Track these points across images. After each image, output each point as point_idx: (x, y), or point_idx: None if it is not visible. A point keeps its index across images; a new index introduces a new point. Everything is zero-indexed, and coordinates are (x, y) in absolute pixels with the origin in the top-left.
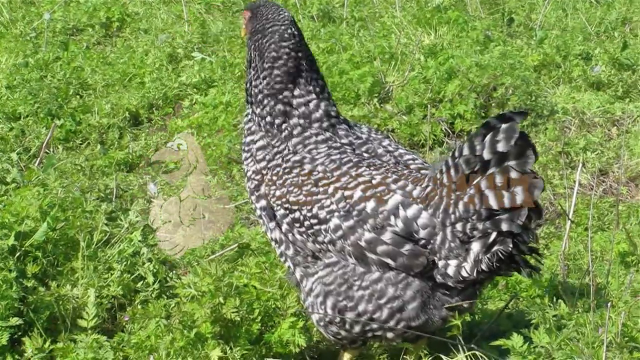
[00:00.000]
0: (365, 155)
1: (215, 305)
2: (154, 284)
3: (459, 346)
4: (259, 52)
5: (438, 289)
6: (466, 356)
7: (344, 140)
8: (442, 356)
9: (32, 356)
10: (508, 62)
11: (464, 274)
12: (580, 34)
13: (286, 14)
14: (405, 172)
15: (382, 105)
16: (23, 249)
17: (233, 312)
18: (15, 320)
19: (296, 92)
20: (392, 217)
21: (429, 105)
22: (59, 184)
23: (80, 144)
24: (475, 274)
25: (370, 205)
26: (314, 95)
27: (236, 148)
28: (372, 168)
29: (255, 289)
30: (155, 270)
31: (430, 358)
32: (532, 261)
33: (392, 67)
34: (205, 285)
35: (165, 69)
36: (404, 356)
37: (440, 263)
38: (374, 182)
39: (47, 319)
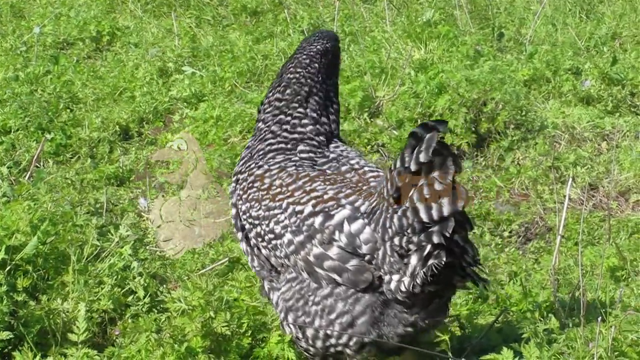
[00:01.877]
0: (328, 172)
1: (206, 319)
2: (144, 298)
3: None
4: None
5: (393, 304)
6: None
7: (304, 155)
8: None
9: None
10: (498, 77)
11: (403, 288)
12: (570, 49)
13: (317, 46)
14: (364, 187)
15: (372, 119)
16: (13, 262)
17: (224, 326)
18: (5, 335)
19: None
20: (337, 232)
21: (419, 120)
22: (50, 198)
23: (71, 157)
24: (412, 288)
25: (318, 220)
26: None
27: (226, 162)
28: (327, 183)
29: (245, 302)
30: (145, 285)
31: None
32: (482, 274)
33: (382, 81)
34: (196, 300)
35: (155, 83)
36: None
37: (386, 278)
38: (325, 197)
39: (37, 333)
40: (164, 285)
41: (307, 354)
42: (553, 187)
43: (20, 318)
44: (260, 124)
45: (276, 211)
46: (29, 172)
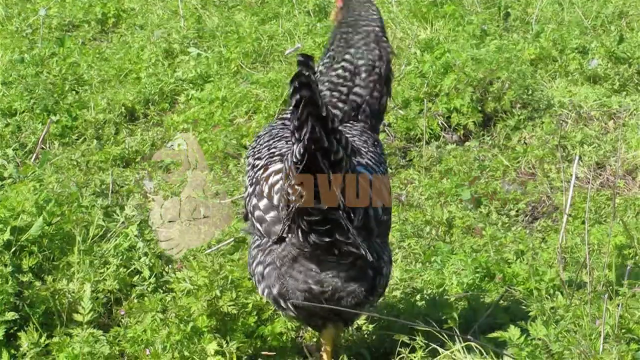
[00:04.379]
0: None
1: (212, 298)
2: (150, 278)
3: (455, 337)
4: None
5: (301, 260)
6: (462, 348)
7: None
8: (438, 348)
9: (27, 351)
10: (504, 56)
11: (280, 232)
12: (577, 28)
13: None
14: None
15: None
16: (19, 243)
17: (230, 305)
18: (11, 315)
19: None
20: (264, 184)
21: (425, 100)
22: (55, 179)
23: (77, 139)
24: (282, 233)
25: (259, 173)
26: None
27: (232, 143)
28: (289, 142)
29: (250, 280)
30: (151, 265)
31: (427, 350)
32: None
33: None
34: (201, 279)
35: (161, 65)
36: None
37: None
38: (276, 152)
39: (42, 313)
40: (170, 266)
41: None
42: (560, 166)
43: (26, 299)
44: None
45: (248, 167)
46: (34, 154)
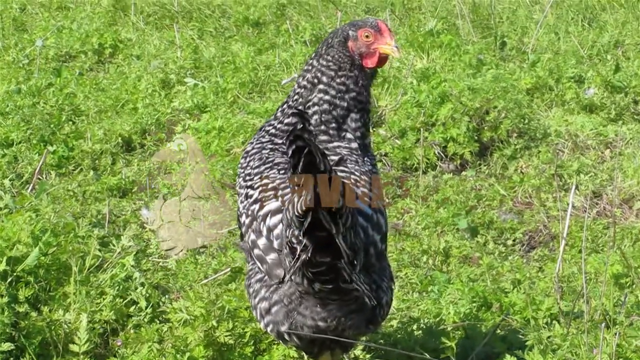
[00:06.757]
0: None
1: (208, 328)
2: (146, 308)
3: None
4: None
5: (309, 297)
6: None
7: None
8: None
9: None
10: (501, 86)
11: (286, 278)
12: (573, 57)
13: None
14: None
15: (375, 129)
16: (15, 274)
17: (226, 336)
18: (7, 346)
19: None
20: (262, 224)
21: (421, 129)
22: (52, 210)
23: (73, 169)
24: (289, 279)
25: (255, 208)
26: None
27: (229, 173)
28: (282, 172)
29: (247, 310)
30: (147, 295)
31: None
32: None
33: (385, 91)
34: (198, 309)
35: (157, 95)
36: None
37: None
38: (270, 185)
39: (39, 344)
40: (166, 296)
41: None
42: (556, 195)
43: (22, 329)
44: None
45: (241, 190)
46: (31, 185)
